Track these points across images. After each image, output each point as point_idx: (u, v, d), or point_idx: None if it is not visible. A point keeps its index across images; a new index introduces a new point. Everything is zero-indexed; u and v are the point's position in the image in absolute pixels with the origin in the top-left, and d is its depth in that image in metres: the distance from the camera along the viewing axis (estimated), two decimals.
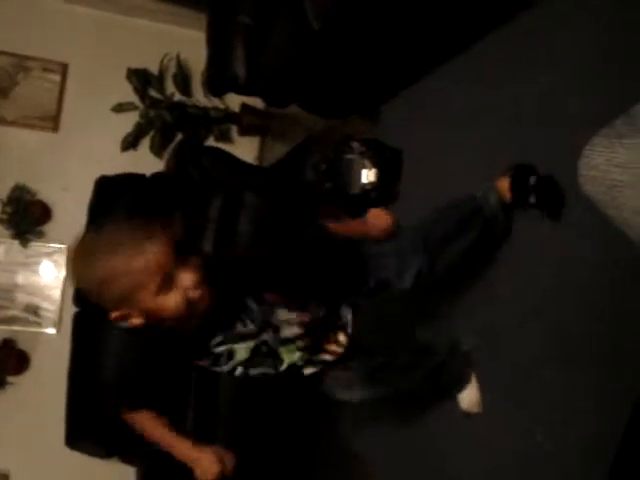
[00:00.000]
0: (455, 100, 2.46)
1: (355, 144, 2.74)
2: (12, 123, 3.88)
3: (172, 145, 3.90)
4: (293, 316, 1.70)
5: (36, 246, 3.83)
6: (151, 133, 3.95)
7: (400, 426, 2.44)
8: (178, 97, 4.01)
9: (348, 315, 1.82)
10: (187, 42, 3.85)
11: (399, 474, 2.48)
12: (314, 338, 1.75)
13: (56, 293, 3.82)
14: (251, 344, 1.67)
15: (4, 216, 3.78)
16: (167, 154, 3.83)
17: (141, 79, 3.93)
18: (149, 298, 1.45)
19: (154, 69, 3.98)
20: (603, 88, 1.80)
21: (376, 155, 2.70)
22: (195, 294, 1.48)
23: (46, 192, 3.83)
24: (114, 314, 1.50)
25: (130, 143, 3.93)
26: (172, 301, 1.47)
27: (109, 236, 1.49)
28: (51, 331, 3.79)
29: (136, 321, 1.50)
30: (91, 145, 3.89)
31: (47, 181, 3.82)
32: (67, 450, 2.99)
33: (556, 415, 1.84)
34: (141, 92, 3.94)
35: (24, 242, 3.80)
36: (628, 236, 1.03)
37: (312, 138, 3.38)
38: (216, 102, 3.98)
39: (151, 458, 2.76)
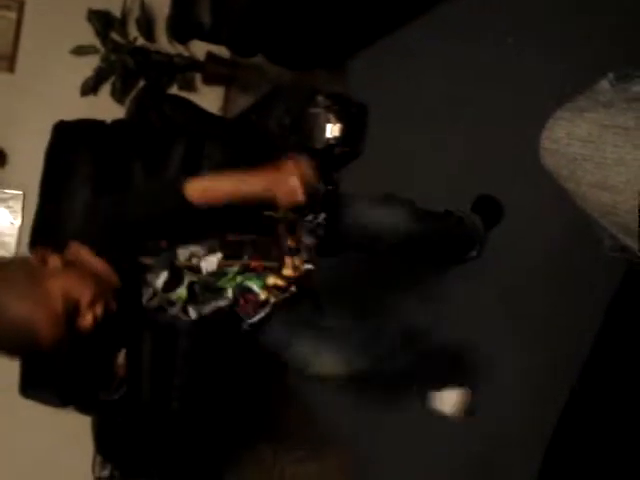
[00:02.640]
0: (423, 55, 2.44)
1: (320, 98, 2.71)
2: None
3: (134, 91, 3.79)
4: (197, 248, 1.67)
5: None
6: (112, 78, 3.82)
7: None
8: (141, 42, 3.88)
9: (307, 240, 1.80)
10: None
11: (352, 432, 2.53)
12: (254, 257, 1.71)
13: (11, 240, 3.73)
14: (182, 289, 1.67)
15: None
16: (129, 100, 3.73)
17: (103, 21, 3.79)
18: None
19: (117, 11, 3.84)
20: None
21: (341, 110, 2.68)
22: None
23: (1, 136, 3.70)
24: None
25: (90, 88, 3.81)
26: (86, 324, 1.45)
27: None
28: None
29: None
30: (49, 88, 3.75)
31: (3, 124, 3.69)
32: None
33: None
34: (102, 35, 3.79)
35: None
36: (584, 210, 1.04)
37: (277, 90, 3.33)
38: (180, 49, 3.87)
39: (107, 409, 2.75)
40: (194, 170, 3.10)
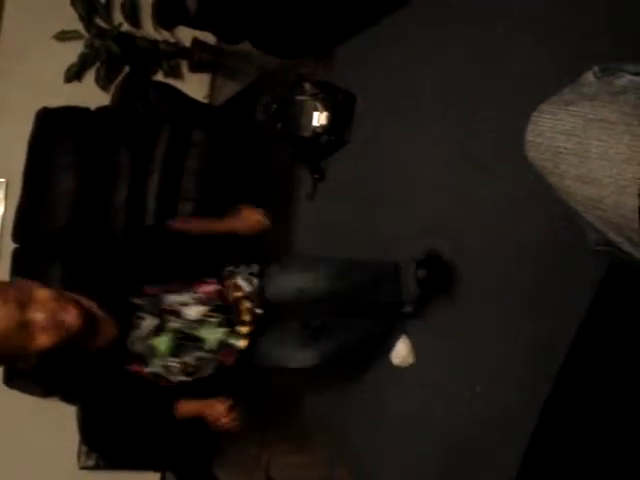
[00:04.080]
0: (411, 43, 2.42)
1: (307, 85, 2.69)
2: None
3: (119, 78, 3.75)
4: (185, 298, 1.84)
5: None
6: (97, 64, 3.78)
7: (344, 380, 2.47)
8: (126, 27, 3.84)
9: (246, 287, 1.95)
10: None
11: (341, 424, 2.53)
12: (225, 311, 1.89)
13: None
14: (167, 336, 1.81)
15: None
16: (114, 87, 3.69)
17: (87, 6, 3.73)
18: (21, 351, 1.52)
19: None
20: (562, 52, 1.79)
21: (328, 98, 2.65)
22: (55, 326, 1.51)
23: None
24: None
25: (74, 74, 3.76)
26: (41, 342, 1.51)
27: None
28: None
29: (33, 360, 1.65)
30: (32, 74, 3.70)
31: None
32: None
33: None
34: (87, 20, 3.74)
35: None
36: (568, 204, 1.04)
37: (264, 78, 3.30)
38: (166, 35, 3.83)
39: (92, 398, 2.73)
40: (180, 157, 3.07)
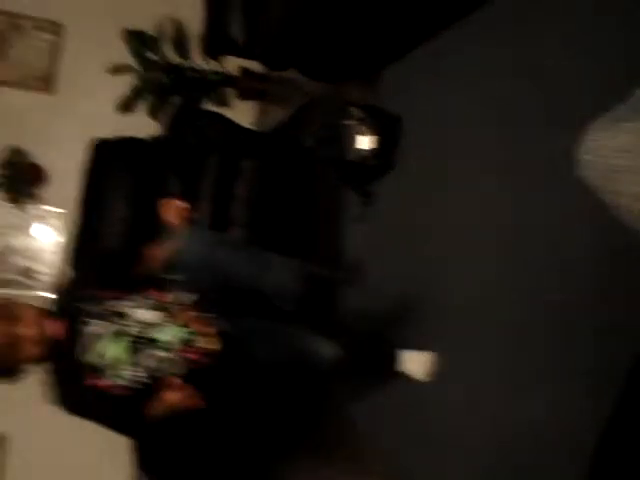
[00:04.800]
0: (457, 65, 2.42)
1: (354, 110, 2.70)
2: (6, 83, 3.82)
3: (170, 108, 3.84)
4: (135, 302, 1.81)
5: (32, 209, 3.80)
6: (148, 96, 3.89)
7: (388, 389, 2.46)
8: (175, 59, 3.94)
9: (224, 326, 1.90)
10: (184, 3, 3.78)
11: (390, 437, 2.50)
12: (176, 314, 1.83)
13: (51, 256, 3.80)
14: (121, 341, 1.75)
15: (0, 179, 3.75)
16: (164, 117, 3.78)
17: (138, 41, 3.86)
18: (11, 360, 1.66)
19: (151, 30, 3.90)
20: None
21: (375, 122, 2.67)
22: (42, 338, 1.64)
23: (41, 154, 3.79)
24: None
25: (127, 105, 3.88)
26: (31, 352, 1.65)
27: None
28: (46, 295, 3.78)
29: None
30: (87, 107, 3.83)
31: (42, 143, 3.78)
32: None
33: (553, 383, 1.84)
34: (138, 54, 3.87)
35: (20, 205, 3.77)
36: (624, 222, 1.01)
37: (311, 104, 3.34)
38: (214, 65, 3.92)
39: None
40: (229, 185, 3.12)
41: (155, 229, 2.06)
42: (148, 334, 1.78)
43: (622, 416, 1.38)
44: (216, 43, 3.12)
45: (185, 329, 1.83)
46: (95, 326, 1.73)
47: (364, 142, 2.66)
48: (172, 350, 1.79)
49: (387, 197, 2.74)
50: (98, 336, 1.72)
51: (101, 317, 1.74)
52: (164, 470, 3.24)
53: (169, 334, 1.80)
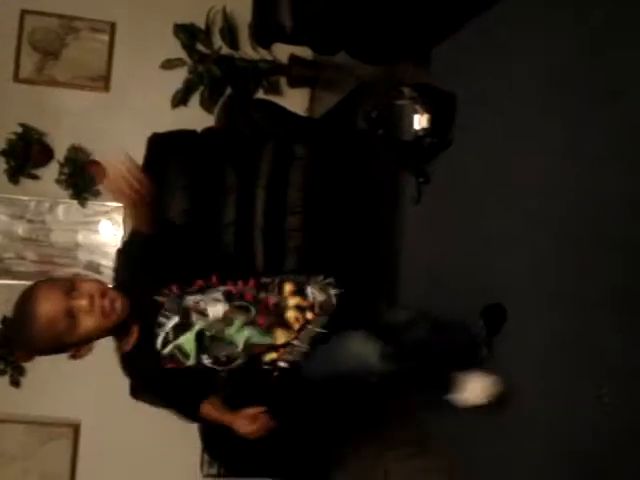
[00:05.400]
0: (510, 40, 2.36)
1: (406, 89, 2.66)
2: (64, 84, 3.93)
3: (222, 99, 3.88)
4: (203, 297, 1.80)
5: (94, 205, 3.91)
6: (200, 88, 3.94)
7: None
8: (226, 50, 3.98)
9: (318, 297, 1.90)
10: None
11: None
12: (263, 314, 1.82)
13: (114, 251, 3.90)
14: (191, 335, 1.78)
15: (62, 177, 3.86)
16: (217, 108, 3.82)
17: (188, 34, 3.91)
18: (68, 337, 1.65)
19: (201, 23, 3.94)
20: None
21: (428, 100, 2.62)
22: (97, 309, 1.64)
23: (101, 151, 3.88)
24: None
25: (180, 99, 3.94)
26: (87, 325, 1.65)
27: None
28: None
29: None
30: (142, 103, 3.91)
31: (101, 140, 3.87)
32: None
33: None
34: (189, 47, 3.92)
35: (82, 202, 3.88)
36: None
37: (362, 86, 3.31)
38: (264, 54, 3.94)
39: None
40: (285, 172, 3.13)
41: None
42: (219, 332, 1.81)
43: None
44: (265, 31, 3.12)
45: (253, 329, 1.83)
46: (174, 321, 1.78)
47: (418, 121, 2.62)
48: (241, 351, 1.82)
49: (443, 176, 2.70)
50: (175, 329, 1.78)
51: (176, 312, 1.78)
52: (229, 456, 3.31)
53: (238, 335, 1.82)
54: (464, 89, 2.62)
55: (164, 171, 3.24)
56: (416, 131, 2.63)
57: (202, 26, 3.95)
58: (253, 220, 3.13)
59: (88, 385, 3.72)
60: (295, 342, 1.86)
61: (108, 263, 3.87)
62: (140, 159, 3.26)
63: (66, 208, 3.90)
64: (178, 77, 3.94)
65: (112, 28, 3.98)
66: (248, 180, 3.14)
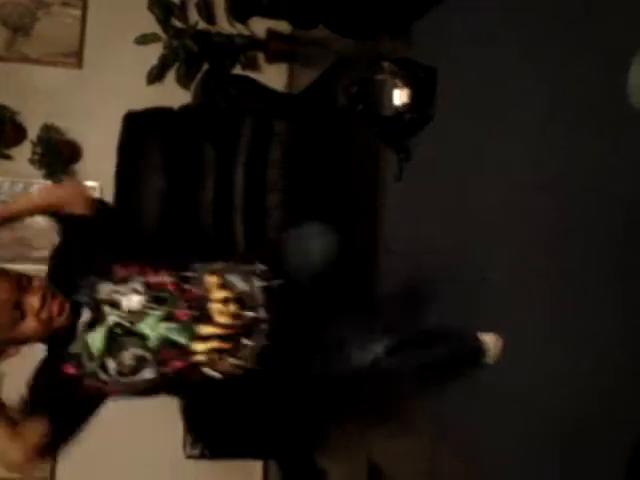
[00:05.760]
0: (490, 15, 2.32)
1: (386, 64, 2.62)
2: (36, 61, 3.82)
3: (199, 76, 3.81)
4: (119, 287, 1.62)
5: None
6: (176, 64, 3.86)
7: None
8: (202, 25, 3.89)
9: (238, 286, 1.71)
10: None
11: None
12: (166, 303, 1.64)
13: None
14: (102, 330, 1.60)
15: (35, 157, 3.77)
16: (194, 85, 3.75)
17: (163, 9, 3.82)
18: (6, 331, 1.54)
19: None
20: None
21: (409, 75, 2.58)
22: (46, 313, 1.55)
23: (74, 130, 3.80)
24: None
25: (156, 75, 3.85)
26: (30, 326, 1.55)
27: None
28: None
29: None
30: (117, 80, 3.82)
31: (75, 119, 3.79)
32: None
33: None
34: (164, 22, 3.83)
35: (56, 182, 3.80)
36: None
37: (342, 61, 3.26)
38: (241, 28, 3.86)
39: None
40: (264, 149, 3.08)
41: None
42: (133, 326, 1.62)
43: None
44: (242, 5, 3.06)
45: (169, 324, 1.63)
46: (86, 317, 1.62)
47: (399, 96, 2.58)
48: (152, 351, 1.62)
49: (425, 152, 2.67)
50: (91, 326, 1.62)
51: (89, 305, 1.63)
52: (213, 436, 3.30)
53: (154, 330, 1.62)
54: (445, 63, 2.58)
55: (140, 150, 3.19)
56: (396, 106, 2.59)
57: (177, 0, 3.86)
58: (233, 198, 3.09)
59: None
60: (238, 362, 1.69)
61: None
62: (115, 138, 3.20)
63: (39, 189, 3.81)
64: (153, 53, 3.84)
65: (84, 2, 3.88)
66: (227, 157, 3.09)
